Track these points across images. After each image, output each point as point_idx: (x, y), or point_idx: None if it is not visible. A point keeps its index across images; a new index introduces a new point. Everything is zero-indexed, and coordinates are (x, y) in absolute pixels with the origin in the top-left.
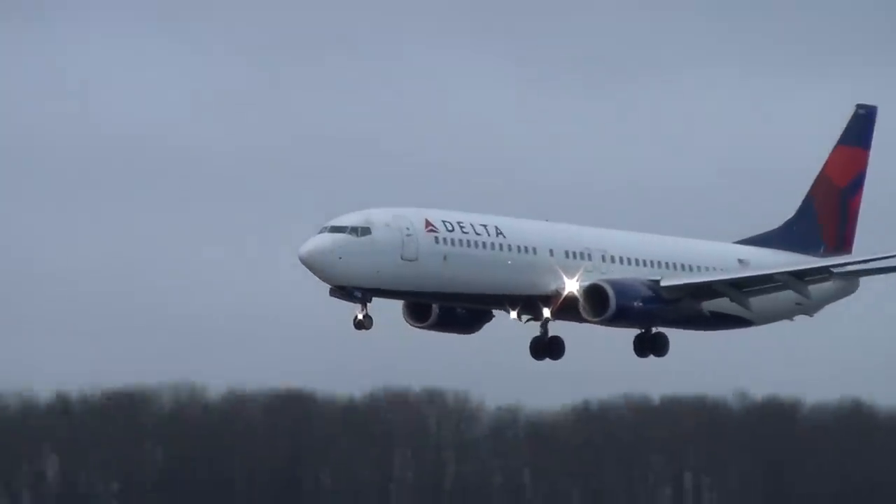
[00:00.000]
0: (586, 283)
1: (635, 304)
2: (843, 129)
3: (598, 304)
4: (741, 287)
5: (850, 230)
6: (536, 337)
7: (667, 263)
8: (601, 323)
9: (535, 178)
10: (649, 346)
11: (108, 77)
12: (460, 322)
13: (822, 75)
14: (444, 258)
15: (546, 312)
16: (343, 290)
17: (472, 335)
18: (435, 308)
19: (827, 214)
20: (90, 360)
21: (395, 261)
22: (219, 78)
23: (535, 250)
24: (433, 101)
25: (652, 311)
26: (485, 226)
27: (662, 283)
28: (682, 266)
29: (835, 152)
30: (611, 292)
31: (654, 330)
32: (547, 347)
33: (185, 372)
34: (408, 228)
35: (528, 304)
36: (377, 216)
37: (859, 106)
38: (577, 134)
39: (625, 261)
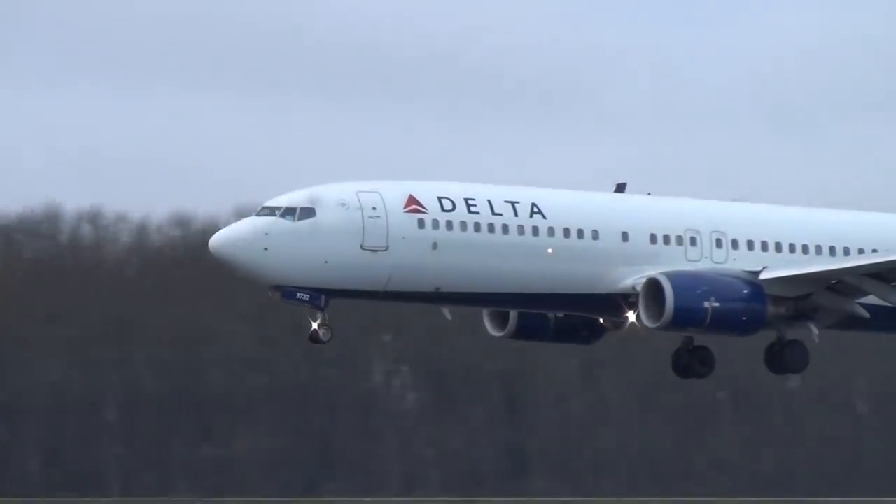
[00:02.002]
0: (642, 279)
1: (706, 304)
2: None
3: (653, 304)
4: (884, 278)
5: None
6: (679, 348)
7: (832, 248)
8: (662, 330)
9: None
10: (779, 359)
11: None
12: (560, 331)
13: None
14: (434, 246)
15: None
16: (281, 291)
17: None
18: (513, 313)
19: None
20: None
21: (352, 250)
22: None
23: (596, 234)
24: None
25: (745, 314)
26: (512, 203)
27: (764, 276)
28: (861, 251)
29: None
30: (668, 288)
31: (787, 338)
32: (690, 361)
33: None
34: (374, 208)
35: (591, 307)
36: (330, 193)
37: None
38: None
39: (756, 245)
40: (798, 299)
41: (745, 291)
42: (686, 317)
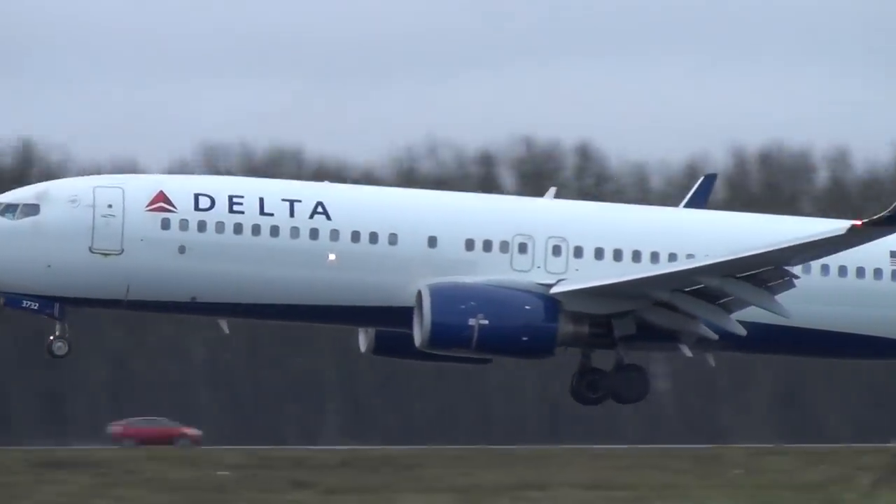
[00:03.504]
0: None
1: (471, 321)
2: None
3: (419, 320)
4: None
5: None
6: (575, 372)
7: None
8: (429, 350)
9: None
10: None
11: None
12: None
13: None
14: (181, 250)
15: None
16: (5, 298)
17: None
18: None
19: None
20: None
21: (79, 253)
22: None
23: (393, 238)
24: None
25: (526, 334)
26: (292, 201)
27: (556, 290)
28: None
29: None
30: (427, 302)
31: (625, 360)
32: (579, 386)
33: None
34: (110, 205)
35: (390, 322)
36: (62, 188)
37: None
38: None
39: (607, 254)
40: (616, 316)
41: (528, 308)
42: (447, 335)
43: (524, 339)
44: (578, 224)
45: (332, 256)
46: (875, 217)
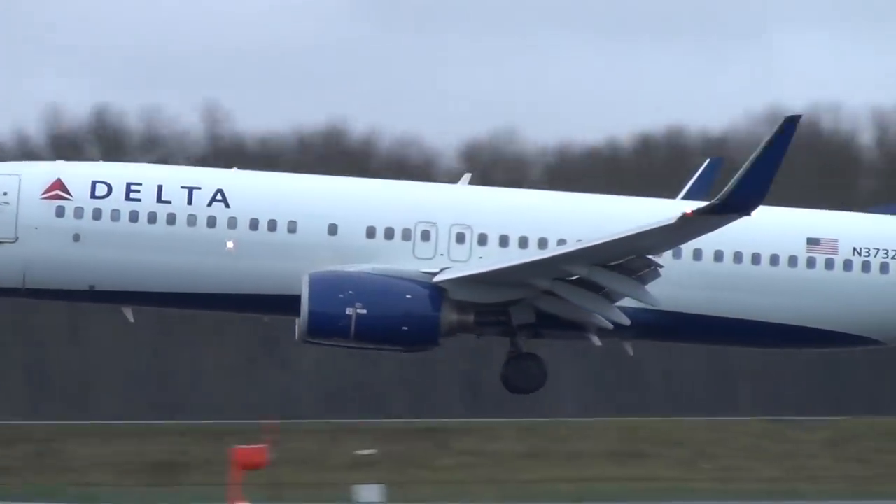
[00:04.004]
0: None
1: (348, 310)
2: None
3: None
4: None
5: None
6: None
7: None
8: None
9: None
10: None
11: None
12: None
13: None
14: (76, 238)
15: None
16: None
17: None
18: None
19: None
20: None
21: None
22: None
23: (293, 225)
24: None
25: (407, 323)
26: (191, 188)
27: (440, 278)
28: None
29: None
30: (305, 291)
31: (523, 349)
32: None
33: None
34: (5, 193)
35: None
36: None
37: None
38: None
39: (512, 241)
40: (509, 305)
41: (409, 297)
42: (324, 324)
43: (404, 328)
44: (484, 211)
45: (230, 244)
46: (705, 205)
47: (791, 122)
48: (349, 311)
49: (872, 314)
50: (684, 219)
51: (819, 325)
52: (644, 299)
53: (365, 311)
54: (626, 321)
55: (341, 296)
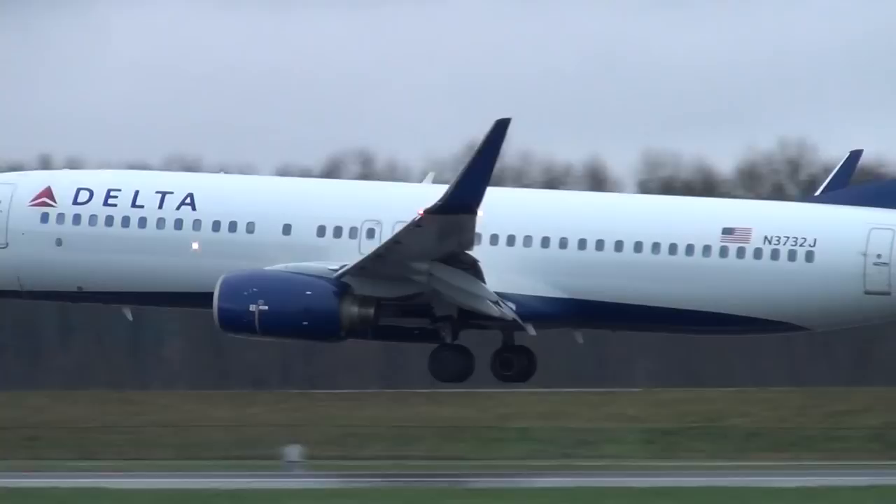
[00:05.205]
0: None
1: (251, 307)
2: None
3: None
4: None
5: None
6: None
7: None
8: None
9: None
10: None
11: None
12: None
13: None
14: (58, 242)
15: None
16: None
17: None
18: None
19: None
20: None
21: None
22: None
23: (251, 226)
24: None
25: (306, 318)
26: (164, 193)
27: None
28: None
29: None
30: (217, 289)
31: (447, 341)
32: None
33: None
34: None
35: None
36: None
37: None
38: None
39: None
40: (410, 298)
41: (308, 293)
42: (232, 320)
43: (304, 323)
44: (397, 207)
45: (195, 245)
46: (430, 206)
47: (501, 125)
48: (252, 307)
49: (783, 300)
50: (418, 220)
51: (735, 312)
52: (477, 291)
53: (266, 308)
54: (498, 313)
55: (245, 293)
